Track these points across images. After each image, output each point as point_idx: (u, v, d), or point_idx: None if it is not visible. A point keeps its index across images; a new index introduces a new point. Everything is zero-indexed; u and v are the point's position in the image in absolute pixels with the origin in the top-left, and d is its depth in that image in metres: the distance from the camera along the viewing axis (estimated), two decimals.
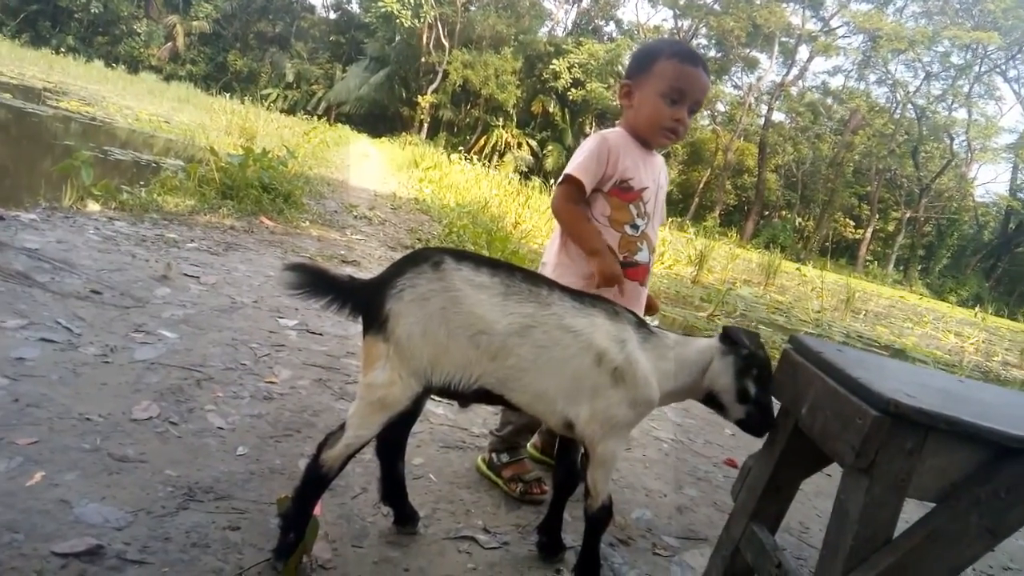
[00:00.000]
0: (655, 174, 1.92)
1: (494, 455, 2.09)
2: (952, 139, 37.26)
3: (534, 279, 1.48)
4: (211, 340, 2.61)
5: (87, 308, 2.58)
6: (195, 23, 39.35)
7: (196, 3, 39.79)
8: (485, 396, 1.46)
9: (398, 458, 1.66)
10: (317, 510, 1.47)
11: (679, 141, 1.99)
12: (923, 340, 9.75)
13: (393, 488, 1.67)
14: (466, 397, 1.47)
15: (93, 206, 4.31)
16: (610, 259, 1.77)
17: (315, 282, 1.37)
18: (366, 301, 1.39)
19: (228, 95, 25.29)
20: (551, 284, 1.49)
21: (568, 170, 1.83)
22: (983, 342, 10.90)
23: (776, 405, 1.56)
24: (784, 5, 37.48)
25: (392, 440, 1.63)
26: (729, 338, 1.52)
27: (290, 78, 39.63)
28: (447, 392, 1.44)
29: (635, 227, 1.87)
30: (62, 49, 33.00)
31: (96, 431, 1.78)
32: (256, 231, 4.98)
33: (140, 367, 2.21)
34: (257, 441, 1.95)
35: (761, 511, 1.53)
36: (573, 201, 1.83)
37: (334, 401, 2.37)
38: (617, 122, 2.00)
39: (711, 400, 1.58)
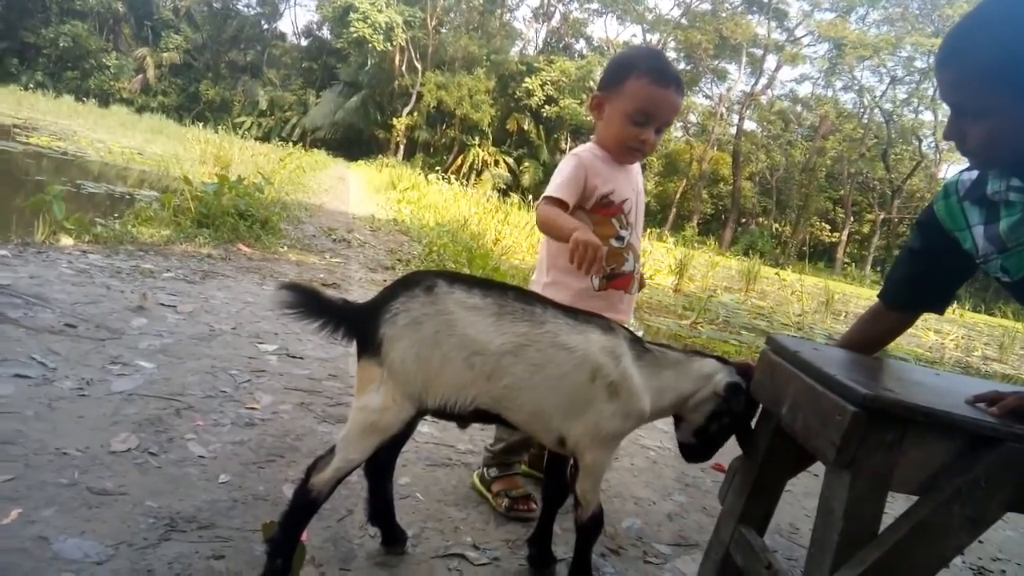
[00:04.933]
0: (633, 183, 1.93)
1: (486, 469, 2.09)
2: (920, 141, 37.99)
3: (527, 298, 1.47)
4: (190, 369, 2.58)
5: (62, 342, 2.54)
6: (165, 54, 39.27)
7: (166, 35, 39.74)
8: (482, 416, 1.46)
9: (387, 478, 1.65)
10: (303, 535, 1.45)
11: (644, 158, 1.99)
12: (904, 338, 9.83)
13: (381, 508, 1.65)
14: (463, 418, 1.46)
15: (66, 240, 4.26)
16: (586, 230, 1.66)
17: (309, 304, 1.36)
18: (360, 325, 1.38)
19: (201, 125, 25.13)
20: (544, 302, 1.48)
21: (548, 192, 1.82)
22: (962, 338, 11.05)
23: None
24: (749, 17, 38.24)
25: (381, 461, 1.62)
26: (728, 392, 1.52)
27: (263, 105, 39.61)
28: (443, 413, 1.43)
29: (620, 239, 1.88)
30: (31, 85, 32.72)
31: (74, 465, 1.74)
32: (233, 258, 4.94)
33: (117, 399, 2.18)
34: (239, 468, 1.92)
35: (749, 513, 1.54)
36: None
37: (317, 424, 2.35)
38: (592, 136, 2.01)
39: (675, 416, 1.62)
